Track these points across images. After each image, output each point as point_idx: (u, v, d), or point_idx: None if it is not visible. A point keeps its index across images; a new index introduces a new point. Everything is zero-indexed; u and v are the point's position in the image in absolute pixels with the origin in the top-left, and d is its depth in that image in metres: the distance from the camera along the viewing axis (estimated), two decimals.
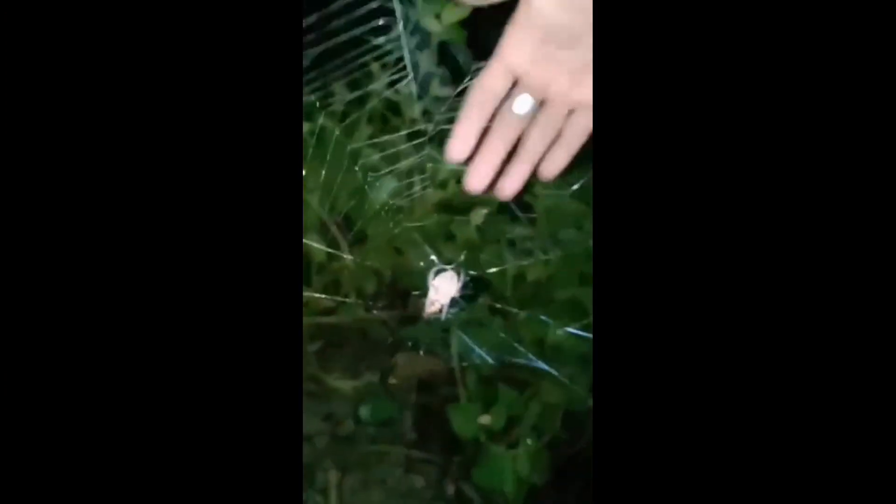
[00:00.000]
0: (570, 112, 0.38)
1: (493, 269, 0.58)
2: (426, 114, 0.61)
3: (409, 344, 0.59)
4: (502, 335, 0.61)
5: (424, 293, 0.44)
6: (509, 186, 0.38)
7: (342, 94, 0.60)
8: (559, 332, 0.57)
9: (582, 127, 0.38)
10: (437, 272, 0.39)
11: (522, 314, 0.64)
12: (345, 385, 0.65)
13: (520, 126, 0.38)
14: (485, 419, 0.61)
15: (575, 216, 0.62)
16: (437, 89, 0.57)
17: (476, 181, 0.38)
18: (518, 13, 0.35)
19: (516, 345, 0.59)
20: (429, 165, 0.58)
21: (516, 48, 0.36)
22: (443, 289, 0.39)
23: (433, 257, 0.39)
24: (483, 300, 0.63)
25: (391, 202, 0.58)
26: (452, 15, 0.60)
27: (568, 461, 0.60)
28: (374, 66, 0.61)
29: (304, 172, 0.60)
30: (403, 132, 0.58)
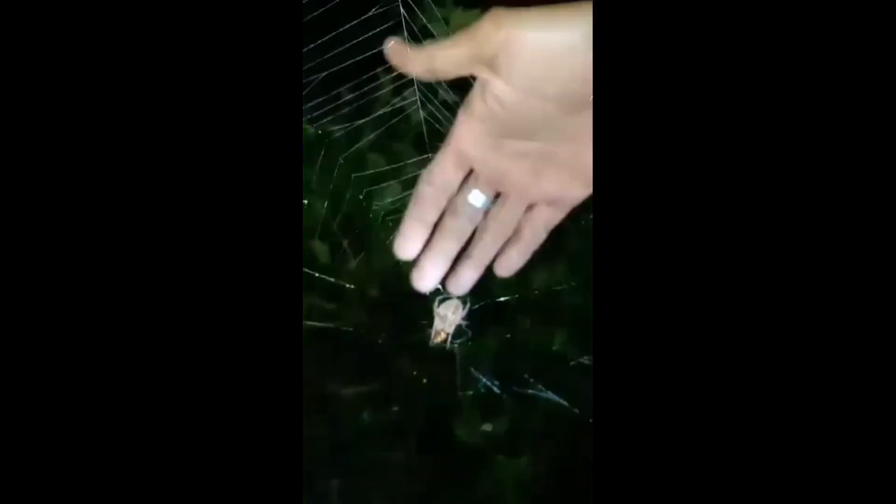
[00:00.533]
0: (530, 207, 0.35)
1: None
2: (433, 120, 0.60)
3: (414, 373, 0.58)
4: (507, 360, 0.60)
5: (428, 317, 0.44)
6: (460, 286, 0.35)
7: (347, 100, 0.60)
8: (573, 363, 0.57)
9: (542, 223, 0.35)
10: (442, 300, 0.38)
11: (531, 342, 0.64)
12: (346, 391, 0.64)
13: (473, 220, 0.35)
14: (487, 427, 0.60)
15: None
16: (445, 94, 0.57)
17: (423, 282, 0.35)
18: (472, 98, 0.32)
19: (526, 377, 0.58)
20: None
21: (469, 137, 0.32)
22: (448, 318, 0.38)
23: (438, 286, 0.37)
24: (492, 329, 0.63)
25: (393, 210, 0.58)
26: (461, 19, 0.60)
27: (570, 471, 0.59)
28: (381, 72, 0.61)
29: (310, 176, 0.60)
30: (409, 140, 0.58)
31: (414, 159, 0.57)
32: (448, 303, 0.37)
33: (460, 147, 0.33)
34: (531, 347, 0.60)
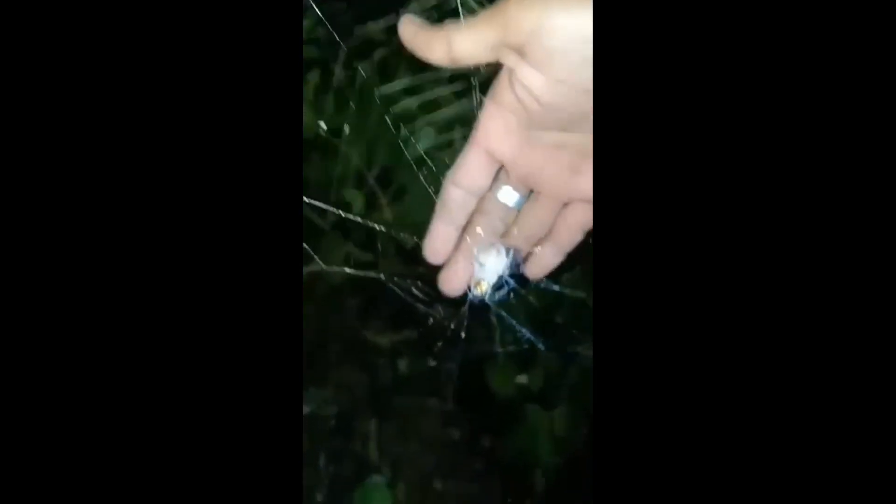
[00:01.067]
0: (565, 206, 0.32)
1: None
2: None
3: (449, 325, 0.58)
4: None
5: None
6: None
7: (376, 33, 0.57)
8: None
9: (578, 223, 0.32)
10: (483, 248, 0.35)
11: (565, 276, 0.62)
12: (383, 339, 0.65)
13: (505, 220, 0.32)
14: (522, 378, 0.60)
15: None
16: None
17: (451, 286, 0.33)
18: (499, 87, 0.29)
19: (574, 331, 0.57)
20: (473, 114, 0.55)
21: (498, 131, 0.30)
22: (489, 266, 0.35)
23: (479, 229, 0.35)
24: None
25: (430, 156, 0.56)
26: None
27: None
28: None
29: (341, 123, 0.58)
30: (445, 77, 0.55)
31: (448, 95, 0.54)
32: (490, 250, 0.34)
33: (489, 143, 0.30)
34: (574, 303, 0.59)
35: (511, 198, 0.32)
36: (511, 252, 0.33)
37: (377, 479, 0.57)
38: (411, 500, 0.63)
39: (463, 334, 0.54)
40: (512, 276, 0.38)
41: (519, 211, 0.33)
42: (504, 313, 0.49)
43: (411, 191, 0.58)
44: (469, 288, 0.35)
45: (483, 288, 0.35)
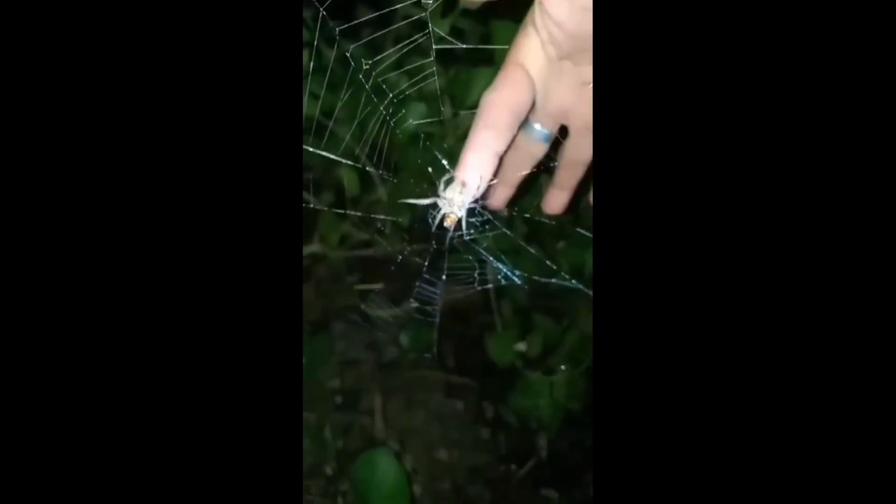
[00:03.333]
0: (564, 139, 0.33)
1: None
2: (455, 31, 0.57)
3: (444, 276, 0.59)
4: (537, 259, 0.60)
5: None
6: (554, 207, 0.35)
7: (364, 15, 0.57)
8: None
9: (576, 158, 0.33)
10: (447, 182, 0.35)
11: (560, 244, 0.63)
12: (385, 314, 0.66)
13: (535, 156, 0.33)
14: (521, 346, 0.61)
15: None
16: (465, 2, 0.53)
17: (496, 203, 0.35)
18: (529, 19, 0.29)
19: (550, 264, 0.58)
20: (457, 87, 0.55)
21: (530, 51, 0.30)
22: (455, 199, 0.35)
23: (445, 162, 0.35)
24: (518, 228, 0.61)
25: (421, 129, 0.56)
26: None
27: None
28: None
29: (335, 104, 0.58)
30: (431, 52, 0.55)
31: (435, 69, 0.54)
32: (453, 184, 0.34)
33: (523, 59, 0.30)
34: (554, 235, 0.59)
35: (541, 133, 0.32)
36: (473, 185, 0.33)
37: (383, 449, 0.58)
38: (418, 470, 0.64)
39: (445, 275, 0.55)
40: (482, 205, 0.39)
41: (547, 146, 0.33)
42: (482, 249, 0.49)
43: (405, 166, 0.59)
44: (441, 223, 0.35)
45: (452, 220, 0.35)
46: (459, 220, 0.36)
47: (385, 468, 0.54)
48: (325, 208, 0.62)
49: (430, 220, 0.36)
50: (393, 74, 0.57)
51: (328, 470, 0.62)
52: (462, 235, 0.40)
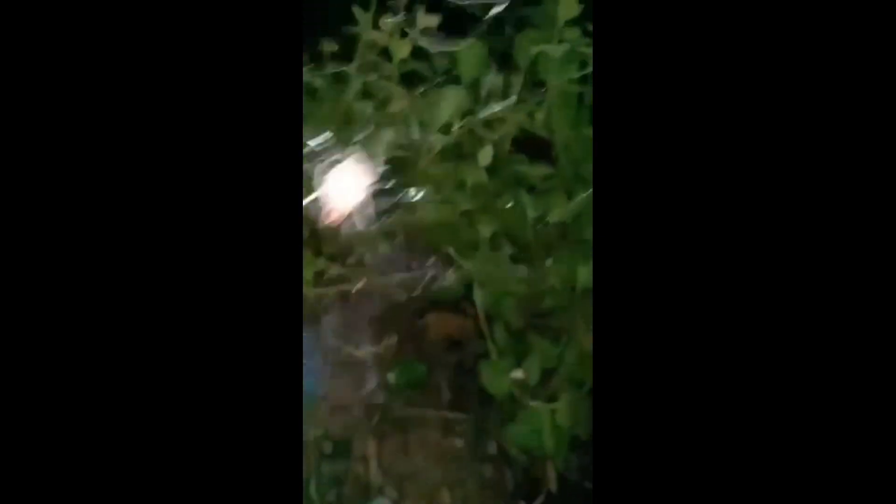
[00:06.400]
0: None
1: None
2: (419, 52, 0.55)
3: (430, 304, 0.56)
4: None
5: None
6: None
7: (329, 46, 0.56)
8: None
9: None
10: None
11: (549, 261, 0.60)
12: (369, 352, 0.63)
13: None
14: (518, 374, 0.58)
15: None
16: (423, 20, 0.51)
17: None
18: None
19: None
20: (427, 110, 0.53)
21: None
22: (341, 196, 0.34)
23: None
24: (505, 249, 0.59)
25: (392, 155, 0.54)
26: None
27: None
28: (356, 8, 0.56)
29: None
30: (396, 76, 0.53)
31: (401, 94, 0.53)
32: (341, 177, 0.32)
33: None
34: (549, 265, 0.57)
35: None
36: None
37: (381, 502, 0.54)
38: None
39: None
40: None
41: None
42: None
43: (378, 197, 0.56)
44: None
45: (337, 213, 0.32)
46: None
47: None
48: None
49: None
50: (358, 103, 0.55)
51: None
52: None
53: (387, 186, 0.51)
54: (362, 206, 0.48)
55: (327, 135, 0.50)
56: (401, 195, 0.50)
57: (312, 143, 0.48)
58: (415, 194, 0.50)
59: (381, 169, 0.51)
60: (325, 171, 0.47)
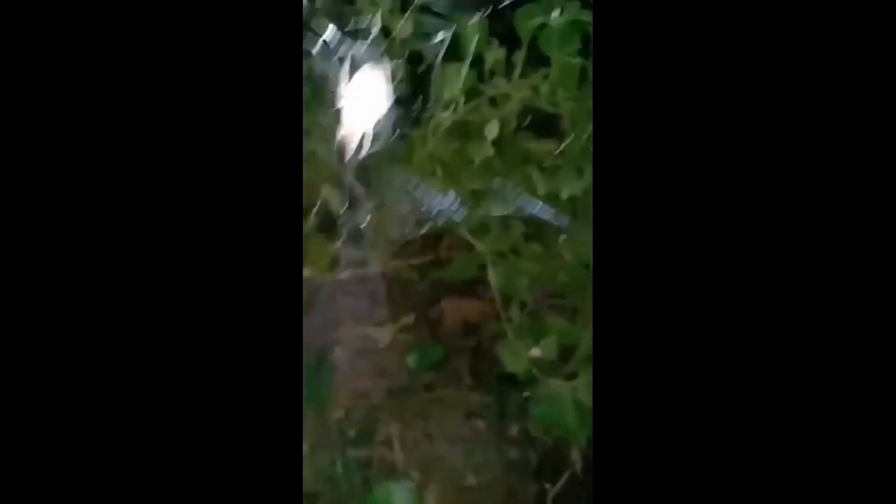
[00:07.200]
0: None
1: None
2: (420, 31, 0.56)
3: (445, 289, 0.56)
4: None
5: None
6: None
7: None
8: None
9: None
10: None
11: (562, 238, 0.59)
12: (387, 335, 0.63)
13: None
14: (535, 352, 0.57)
15: None
16: None
17: None
18: None
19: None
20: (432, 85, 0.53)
21: None
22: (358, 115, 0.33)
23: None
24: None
25: (397, 135, 0.54)
26: None
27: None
28: None
29: (311, 123, 0.57)
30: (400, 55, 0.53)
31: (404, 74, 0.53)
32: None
33: None
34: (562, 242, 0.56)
35: None
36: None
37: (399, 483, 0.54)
38: (446, 500, 0.60)
39: None
40: None
41: None
42: None
43: (387, 175, 0.57)
44: None
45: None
46: None
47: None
48: (311, 232, 0.60)
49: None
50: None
51: None
52: None
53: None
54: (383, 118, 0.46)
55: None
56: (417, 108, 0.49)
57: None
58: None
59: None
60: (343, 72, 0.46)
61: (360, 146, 0.47)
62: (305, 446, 0.59)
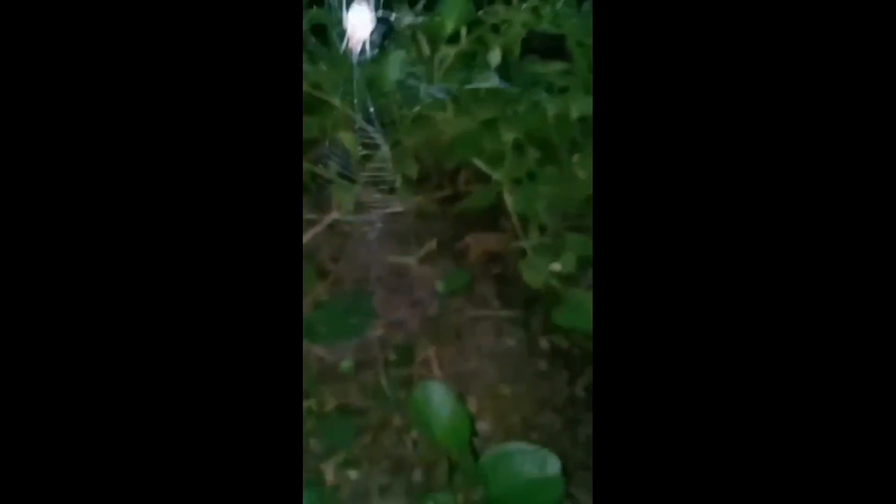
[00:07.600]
0: None
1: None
2: None
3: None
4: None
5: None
6: None
7: None
8: None
9: None
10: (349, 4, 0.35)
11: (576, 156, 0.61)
12: (414, 264, 0.67)
13: None
14: (555, 266, 0.60)
15: None
16: None
17: None
18: None
19: None
20: (436, 20, 0.54)
21: None
22: (358, 24, 0.35)
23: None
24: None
25: (407, 75, 0.56)
26: None
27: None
28: None
29: (313, 76, 0.58)
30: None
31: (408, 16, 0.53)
32: (355, 7, 0.34)
33: None
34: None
35: None
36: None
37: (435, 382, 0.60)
38: (483, 408, 0.66)
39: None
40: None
41: None
42: None
43: (398, 115, 0.58)
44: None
45: (355, 42, 0.34)
46: (363, 41, 0.35)
47: (440, 399, 0.56)
48: (335, 176, 0.63)
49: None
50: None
51: (396, 421, 0.64)
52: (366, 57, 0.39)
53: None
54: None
55: None
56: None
57: None
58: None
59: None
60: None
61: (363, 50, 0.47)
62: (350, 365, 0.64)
